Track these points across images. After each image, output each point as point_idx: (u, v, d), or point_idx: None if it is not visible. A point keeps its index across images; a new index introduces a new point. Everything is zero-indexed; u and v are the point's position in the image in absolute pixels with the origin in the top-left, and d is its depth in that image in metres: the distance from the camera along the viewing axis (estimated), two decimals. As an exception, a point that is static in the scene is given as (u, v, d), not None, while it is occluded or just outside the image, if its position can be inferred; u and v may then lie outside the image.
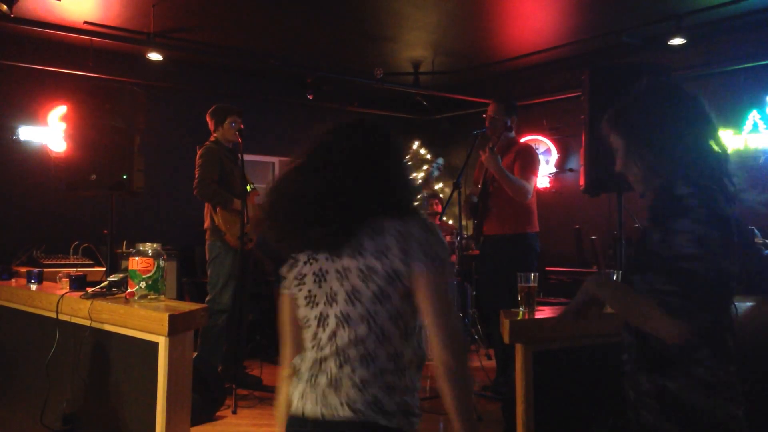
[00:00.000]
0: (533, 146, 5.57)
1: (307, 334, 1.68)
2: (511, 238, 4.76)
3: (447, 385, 1.56)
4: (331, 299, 1.63)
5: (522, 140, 6.80)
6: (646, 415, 1.74)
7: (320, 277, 1.65)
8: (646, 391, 1.74)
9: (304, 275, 1.69)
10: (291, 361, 1.74)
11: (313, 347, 1.65)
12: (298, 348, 1.73)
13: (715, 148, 1.75)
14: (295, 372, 1.69)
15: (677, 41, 6.17)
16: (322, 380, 1.59)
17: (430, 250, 1.58)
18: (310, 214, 1.64)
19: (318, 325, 1.64)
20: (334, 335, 1.61)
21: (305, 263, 1.69)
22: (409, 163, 1.75)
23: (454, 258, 7.00)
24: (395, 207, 1.65)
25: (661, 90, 1.85)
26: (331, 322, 1.62)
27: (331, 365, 1.59)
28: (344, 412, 1.54)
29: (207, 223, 5.10)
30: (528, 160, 4.81)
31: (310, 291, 1.67)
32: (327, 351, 1.61)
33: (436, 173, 5.58)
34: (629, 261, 1.93)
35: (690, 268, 1.57)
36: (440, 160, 5.65)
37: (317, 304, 1.65)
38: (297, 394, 1.64)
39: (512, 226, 4.76)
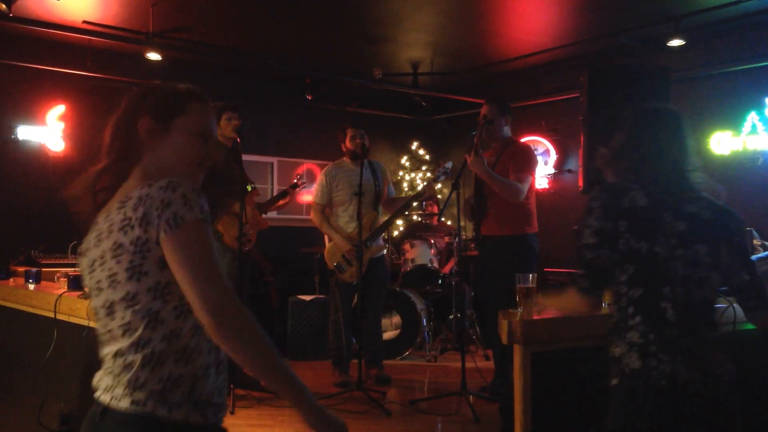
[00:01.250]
0: (530, 146, 5.56)
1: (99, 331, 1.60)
2: (510, 239, 4.75)
3: (229, 350, 1.43)
4: (98, 288, 1.54)
5: (521, 141, 6.80)
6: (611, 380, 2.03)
7: (91, 267, 1.57)
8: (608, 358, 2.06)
9: (83, 269, 1.62)
10: None
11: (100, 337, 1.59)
12: None
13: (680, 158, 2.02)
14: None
15: (676, 42, 6.17)
16: (109, 369, 1.53)
17: (169, 212, 1.43)
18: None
19: (97, 318, 1.58)
20: (105, 327, 1.54)
21: (83, 254, 1.63)
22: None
23: (453, 262, 7.01)
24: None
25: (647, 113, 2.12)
26: (101, 312, 1.55)
27: (109, 356, 1.52)
28: (125, 404, 1.45)
29: None
30: (523, 159, 4.79)
31: (88, 283, 1.61)
32: (106, 341, 1.55)
33: (442, 177, 5.58)
34: None
35: (589, 255, 1.94)
36: (449, 164, 5.65)
37: (93, 297, 1.59)
38: (96, 378, 1.59)
39: (511, 227, 4.75)
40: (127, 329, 1.49)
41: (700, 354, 1.89)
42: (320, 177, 5.54)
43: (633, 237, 1.90)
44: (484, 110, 4.90)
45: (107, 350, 1.54)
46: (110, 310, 1.51)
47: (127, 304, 1.48)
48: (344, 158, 5.57)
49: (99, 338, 1.58)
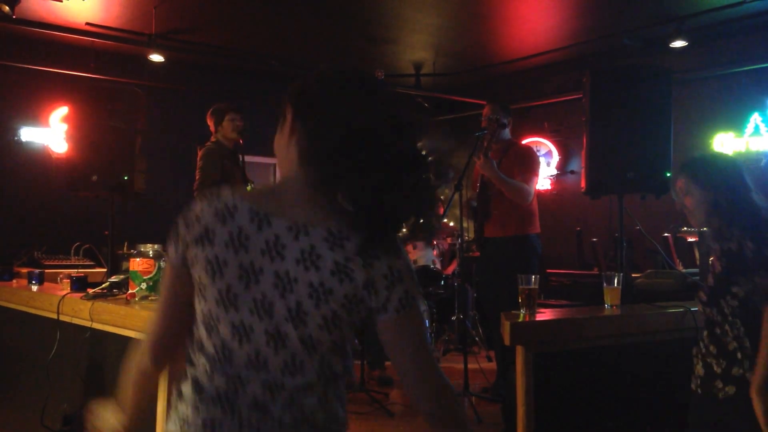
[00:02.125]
0: (533, 147, 5.55)
1: (210, 337, 1.33)
2: (513, 239, 4.75)
3: None
4: (262, 310, 1.28)
5: (523, 142, 6.80)
6: None
7: (249, 275, 1.28)
8: None
9: (225, 262, 1.28)
10: (156, 343, 1.42)
11: (217, 359, 1.31)
12: (172, 331, 1.40)
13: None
14: (184, 380, 1.37)
15: (678, 44, 6.17)
16: (247, 403, 1.30)
17: (401, 290, 1.32)
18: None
19: (233, 336, 1.30)
20: (258, 355, 1.29)
21: (228, 244, 1.29)
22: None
23: (455, 263, 7.00)
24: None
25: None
26: (258, 338, 1.29)
27: (257, 390, 1.30)
28: None
29: None
30: (528, 161, 4.79)
31: (229, 286, 1.28)
32: (247, 372, 1.30)
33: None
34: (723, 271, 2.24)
35: None
36: (450, 174, 5.63)
37: (237, 308, 1.29)
38: (203, 415, 1.31)
39: (514, 228, 4.74)
40: (293, 367, 1.31)
41: None
42: None
43: None
44: (487, 111, 4.89)
45: (231, 372, 1.31)
46: (278, 342, 1.30)
47: (305, 346, 1.31)
48: None
49: (198, 345, 1.35)
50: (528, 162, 4.78)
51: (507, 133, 4.94)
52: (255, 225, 1.29)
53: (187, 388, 1.35)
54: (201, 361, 1.34)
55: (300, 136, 1.35)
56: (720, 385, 2.18)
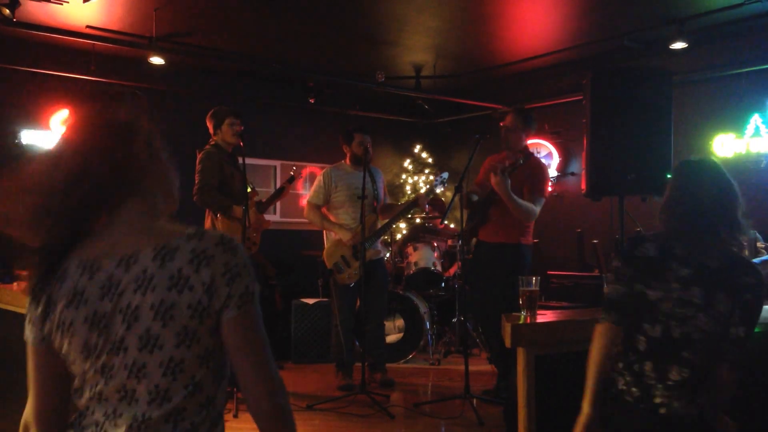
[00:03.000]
0: (545, 164, 5.50)
1: (84, 389, 1.36)
2: (504, 247, 4.76)
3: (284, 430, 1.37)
4: (117, 348, 1.30)
5: (535, 155, 6.78)
6: None
7: (97, 323, 1.30)
8: None
9: (71, 322, 1.32)
10: (31, 416, 1.46)
11: (92, 406, 1.35)
12: (47, 404, 1.43)
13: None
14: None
15: (679, 45, 6.17)
16: None
17: (239, 283, 1.32)
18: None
19: (102, 378, 1.32)
20: (124, 389, 1.31)
21: (68, 306, 1.32)
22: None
23: (457, 266, 7.00)
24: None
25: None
26: (120, 374, 1.30)
27: (119, 419, 1.31)
28: None
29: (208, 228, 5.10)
30: (541, 180, 4.78)
31: (86, 341, 1.31)
32: (111, 400, 1.33)
33: (440, 188, 5.56)
34: None
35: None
36: (445, 175, 5.64)
37: (98, 357, 1.31)
38: None
39: (507, 236, 4.76)
40: (157, 396, 1.31)
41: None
42: (319, 178, 5.52)
43: (637, 281, 2.12)
44: (508, 120, 4.87)
45: (109, 410, 1.34)
46: (139, 373, 1.30)
47: (166, 370, 1.30)
48: (344, 161, 5.56)
49: (90, 394, 1.35)
50: (540, 182, 4.77)
51: (524, 141, 4.93)
52: (87, 275, 1.32)
53: None
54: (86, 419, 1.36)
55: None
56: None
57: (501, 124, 4.91)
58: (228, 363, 1.40)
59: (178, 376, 1.31)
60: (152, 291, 1.29)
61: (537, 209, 4.69)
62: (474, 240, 5.03)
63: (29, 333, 1.42)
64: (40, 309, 1.38)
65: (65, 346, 1.35)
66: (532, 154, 5.08)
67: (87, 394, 1.36)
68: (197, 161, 5.05)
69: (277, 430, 1.37)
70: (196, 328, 1.30)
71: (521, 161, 4.65)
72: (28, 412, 1.47)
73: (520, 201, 4.61)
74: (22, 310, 1.49)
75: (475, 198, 4.97)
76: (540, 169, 4.93)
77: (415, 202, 5.45)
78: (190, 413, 1.33)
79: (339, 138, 5.58)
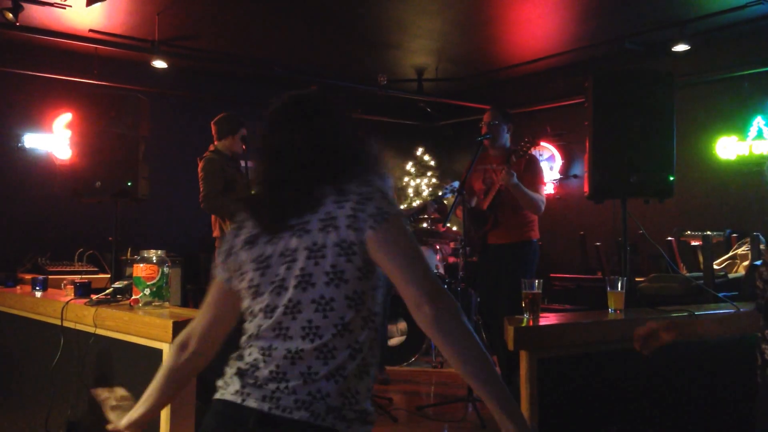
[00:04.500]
0: (535, 154, 5.52)
1: (249, 325, 1.52)
2: (517, 245, 4.76)
3: (443, 343, 1.40)
4: (279, 287, 1.46)
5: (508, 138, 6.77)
6: None
7: (263, 264, 1.49)
8: None
9: (243, 263, 1.53)
10: (192, 330, 1.65)
11: (255, 337, 1.49)
12: (211, 326, 1.64)
13: None
14: (232, 359, 1.55)
15: (681, 47, 6.17)
16: (269, 375, 1.43)
17: (371, 208, 1.42)
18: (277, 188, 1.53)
19: (265, 316, 1.48)
20: (278, 323, 1.45)
21: (243, 247, 1.53)
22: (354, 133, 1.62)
23: (460, 266, 6.99)
24: (336, 174, 1.50)
25: None
26: (278, 312, 1.45)
27: (281, 360, 1.42)
28: (299, 415, 1.38)
29: (216, 233, 5.10)
30: (537, 172, 4.80)
31: (251, 280, 1.51)
32: (269, 335, 1.46)
33: (448, 195, 5.58)
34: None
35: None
36: (455, 184, 5.65)
37: (261, 294, 1.49)
38: (235, 383, 1.48)
39: (519, 235, 4.76)
40: (310, 332, 1.42)
41: None
42: None
43: None
44: (487, 116, 4.89)
45: (267, 344, 1.46)
46: (294, 309, 1.44)
47: (317, 307, 1.43)
48: None
49: (253, 329, 1.50)
50: (537, 173, 4.78)
51: (507, 139, 4.93)
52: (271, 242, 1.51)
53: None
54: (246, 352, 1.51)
55: None
56: None
57: (481, 124, 4.91)
58: (378, 317, 1.51)
59: (329, 314, 1.42)
60: (300, 235, 1.46)
61: (543, 200, 4.71)
62: (476, 242, 5.01)
63: (217, 272, 1.62)
64: (224, 254, 1.59)
65: (239, 284, 1.55)
66: (517, 149, 5.07)
67: (249, 331, 1.51)
68: (199, 168, 5.04)
69: (449, 333, 1.40)
70: (343, 269, 1.43)
71: (513, 157, 4.65)
72: (193, 326, 1.67)
73: (532, 193, 4.62)
74: (24, 314, 1.52)
75: (474, 203, 4.96)
76: (533, 159, 4.95)
77: (423, 209, 5.50)
78: (340, 353, 1.42)
79: None
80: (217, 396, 1.52)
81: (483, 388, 1.39)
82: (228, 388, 1.49)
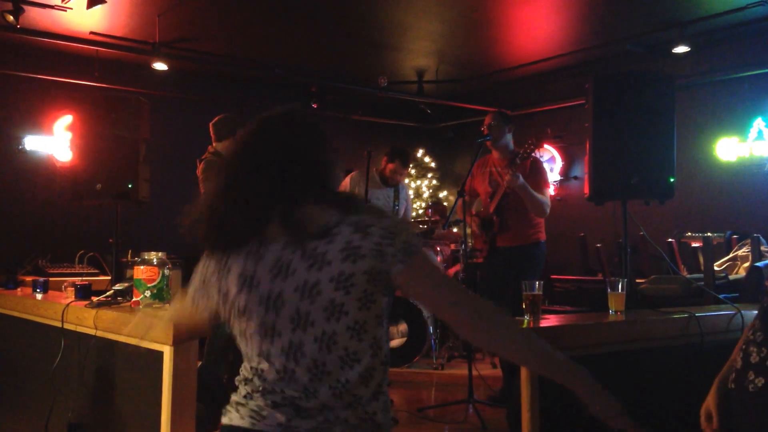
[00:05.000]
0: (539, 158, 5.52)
1: (249, 347, 1.49)
2: (526, 247, 4.75)
3: (508, 350, 1.49)
4: (297, 322, 1.41)
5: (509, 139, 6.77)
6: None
7: (269, 301, 1.43)
8: None
9: (245, 306, 1.46)
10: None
11: (259, 368, 1.46)
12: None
13: None
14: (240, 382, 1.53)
15: (681, 49, 6.17)
16: (279, 399, 1.43)
17: (401, 242, 1.40)
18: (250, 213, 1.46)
19: (269, 342, 1.44)
20: (312, 363, 1.41)
21: (243, 283, 1.46)
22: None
23: (458, 267, 6.99)
24: (334, 200, 1.47)
25: None
26: (309, 348, 1.41)
27: (319, 390, 1.41)
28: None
29: None
30: (542, 175, 4.80)
31: (263, 323, 1.45)
32: (300, 379, 1.42)
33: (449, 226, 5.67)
34: None
35: None
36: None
37: (278, 336, 1.43)
38: (248, 407, 1.46)
39: (527, 237, 4.76)
40: (349, 360, 1.41)
41: None
42: (347, 182, 5.55)
43: None
44: (488, 119, 4.90)
45: (301, 386, 1.42)
46: (330, 342, 1.40)
47: (352, 334, 1.41)
48: (373, 172, 5.53)
49: (273, 379, 1.44)
50: (542, 176, 4.78)
51: (509, 141, 4.93)
52: (257, 248, 1.47)
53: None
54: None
55: None
56: (752, 376, 2.00)
57: (482, 128, 4.91)
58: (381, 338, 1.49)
59: (364, 338, 1.43)
60: (319, 266, 1.41)
61: (549, 202, 4.72)
62: (483, 246, 4.98)
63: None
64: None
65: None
66: (520, 152, 5.07)
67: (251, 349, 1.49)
68: (199, 170, 5.03)
69: (508, 339, 1.47)
70: (372, 291, 1.41)
71: (518, 159, 4.65)
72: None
73: (538, 196, 4.62)
74: (25, 316, 1.52)
75: (479, 208, 4.96)
76: (537, 162, 4.95)
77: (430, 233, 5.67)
78: (377, 372, 1.46)
79: (367, 152, 5.48)
80: None
81: (565, 368, 1.51)
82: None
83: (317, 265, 1.39)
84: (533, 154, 4.73)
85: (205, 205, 1.53)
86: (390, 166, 5.53)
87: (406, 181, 9.50)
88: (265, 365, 1.45)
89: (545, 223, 4.90)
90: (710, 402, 2.12)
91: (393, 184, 5.32)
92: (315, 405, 1.40)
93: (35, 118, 6.78)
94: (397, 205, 5.46)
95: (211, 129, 5.17)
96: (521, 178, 4.53)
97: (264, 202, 1.45)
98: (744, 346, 2.04)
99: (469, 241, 6.40)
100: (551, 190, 8.03)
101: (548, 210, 4.71)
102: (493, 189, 4.81)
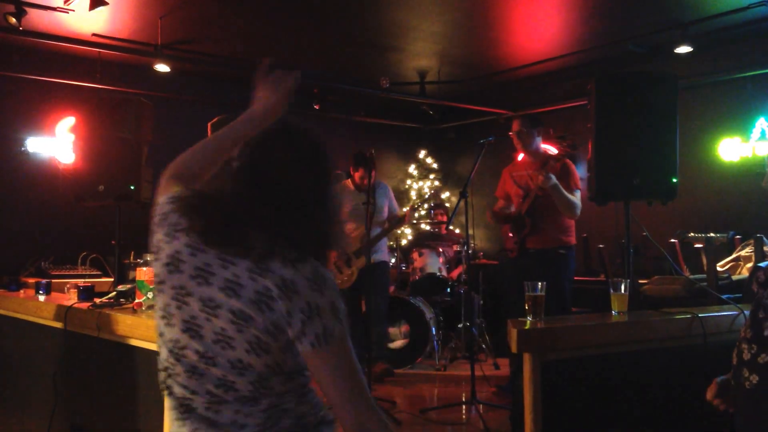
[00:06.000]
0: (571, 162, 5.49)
1: (160, 344, 1.48)
2: (554, 250, 4.70)
3: None
4: (193, 331, 1.40)
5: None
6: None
7: (181, 296, 1.42)
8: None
9: (163, 282, 1.45)
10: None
11: (167, 373, 1.46)
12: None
13: None
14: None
15: (684, 49, 6.16)
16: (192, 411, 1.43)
17: (318, 325, 1.36)
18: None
19: (173, 350, 1.44)
20: (194, 371, 1.41)
21: (167, 265, 1.44)
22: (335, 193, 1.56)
23: (461, 269, 6.99)
24: (295, 242, 1.41)
25: None
26: (191, 356, 1.41)
27: (199, 406, 1.42)
28: None
29: None
30: (573, 175, 4.77)
31: (167, 305, 1.44)
32: (188, 388, 1.42)
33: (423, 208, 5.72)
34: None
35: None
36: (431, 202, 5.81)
37: (173, 326, 1.43)
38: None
39: (559, 240, 4.71)
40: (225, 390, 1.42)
41: None
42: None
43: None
44: (515, 125, 4.89)
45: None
46: (209, 362, 1.40)
47: (234, 365, 1.39)
48: (348, 183, 5.87)
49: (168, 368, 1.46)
50: (574, 178, 4.76)
51: (539, 144, 4.93)
52: (190, 250, 1.43)
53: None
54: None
55: None
56: (746, 373, 2.04)
57: (510, 133, 4.91)
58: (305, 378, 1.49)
59: (245, 374, 1.41)
60: (230, 291, 1.38)
61: (580, 204, 4.68)
62: (514, 247, 4.93)
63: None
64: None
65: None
66: (553, 156, 5.04)
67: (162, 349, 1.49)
68: None
69: None
70: (268, 344, 1.37)
71: (552, 161, 4.64)
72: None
73: (570, 196, 4.59)
74: (27, 317, 1.51)
75: (511, 209, 4.92)
76: (569, 163, 4.92)
77: (402, 219, 5.81)
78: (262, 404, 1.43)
79: (350, 158, 5.79)
80: None
81: None
82: None
83: (230, 291, 1.37)
84: (566, 158, 4.71)
85: (199, 193, 1.58)
86: (357, 174, 5.82)
87: (409, 181, 9.51)
88: (163, 350, 1.47)
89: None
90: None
91: (366, 188, 5.38)
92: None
93: (37, 120, 6.78)
94: (373, 205, 5.52)
95: (209, 129, 5.18)
96: (554, 179, 4.51)
97: (245, 226, 1.42)
98: (738, 343, 2.11)
99: (472, 242, 6.39)
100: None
101: (579, 211, 4.67)
102: (524, 191, 4.78)
